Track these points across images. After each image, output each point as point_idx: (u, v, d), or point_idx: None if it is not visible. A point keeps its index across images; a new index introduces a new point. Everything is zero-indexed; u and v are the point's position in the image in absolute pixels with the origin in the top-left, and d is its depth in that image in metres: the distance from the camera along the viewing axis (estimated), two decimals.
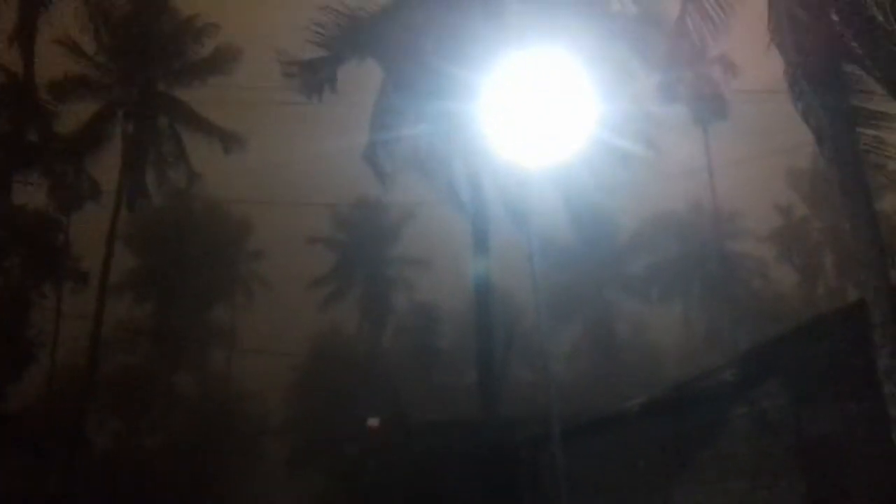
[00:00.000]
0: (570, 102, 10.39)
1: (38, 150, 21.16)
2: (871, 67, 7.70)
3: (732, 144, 33.10)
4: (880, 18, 7.54)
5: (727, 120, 28.11)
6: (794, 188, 36.26)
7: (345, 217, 37.58)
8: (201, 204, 38.43)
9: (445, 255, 25.92)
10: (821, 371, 8.06)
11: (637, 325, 36.28)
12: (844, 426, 7.72)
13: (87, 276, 22.57)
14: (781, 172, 35.59)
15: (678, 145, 25.70)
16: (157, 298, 39.21)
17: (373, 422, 23.10)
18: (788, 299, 35.01)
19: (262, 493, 38.84)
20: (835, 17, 7.50)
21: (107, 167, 24.11)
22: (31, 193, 21.05)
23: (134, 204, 24.45)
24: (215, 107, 25.73)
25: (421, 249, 35.36)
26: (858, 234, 7.16)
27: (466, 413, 17.04)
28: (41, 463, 22.85)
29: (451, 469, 15.37)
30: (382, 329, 35.64)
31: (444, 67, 15.00)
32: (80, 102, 23.99)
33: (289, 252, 40.28)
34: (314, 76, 16.14)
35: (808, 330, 8.69)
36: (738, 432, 9.38)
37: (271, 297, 42.71)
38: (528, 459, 11.19)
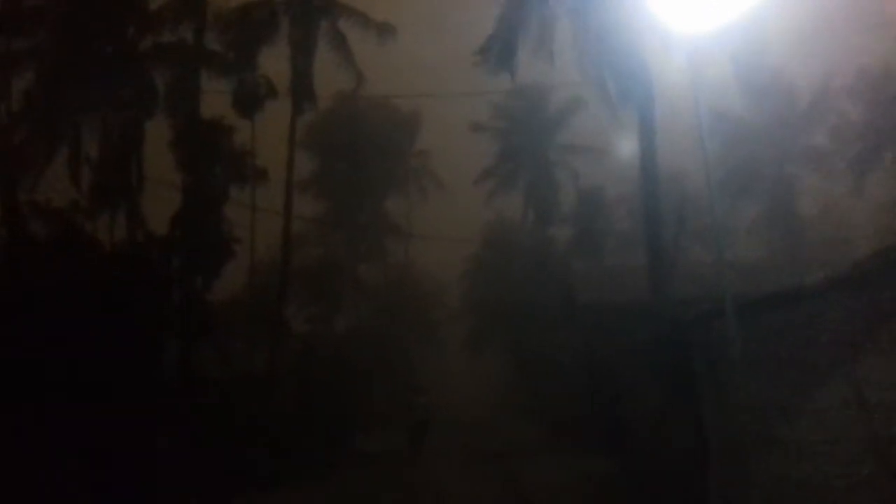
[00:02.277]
0: None
1: (219, 57, 22.55)
2: None
3: None
4: None
5: None
6: None
7: (507, 105, 37.21)
8: (367, 103, 39.56)
9: (615, 138, 25.11)
10: None
11: (822, 201, 33.68)
12: None
13: (266, 172, 24.14)
14: None
15: None
16: (336, 195, 41.52)
17: None
18: None
19: (445, 375, 41.24)
20: None
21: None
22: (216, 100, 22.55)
23: (302, 107, 25.64)
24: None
25: (587, 133, 34.44)
26: None
27: (638, 294, 16.96)
28: (248, 346, 25.50)
29: (620, 349, 15.58)
30: (551, 214, 35.61)
31: None
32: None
33: (456, 144, 40.83)
34: None
35: None
36: None
37: (440, 190, 43.94)
38: (700, 337, 11.07)
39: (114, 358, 14.51)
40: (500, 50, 18.36)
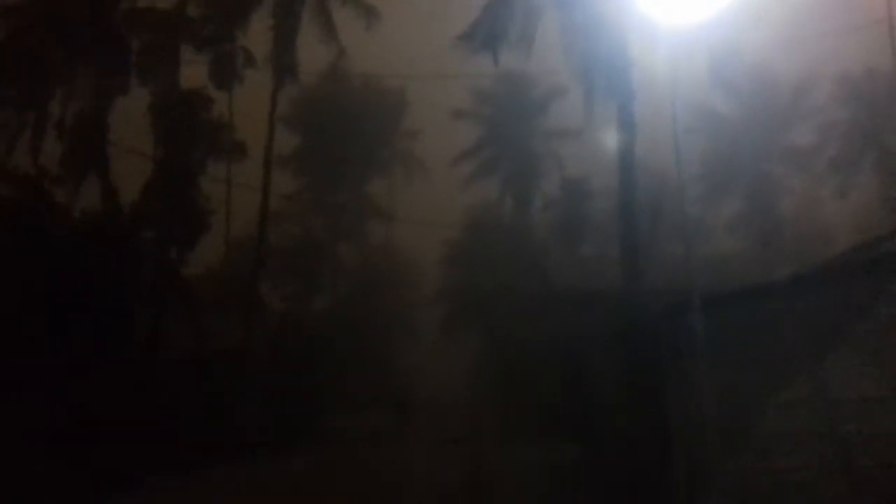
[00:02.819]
0: None
1: (196, 26, 22.15)
2: None
3: None
4: None
5: None
6: None
7: (489, 91, 36.96)
8: (354, 81, 39.24)
9: (593, 128, 25.03)
10: None
11: (801, 199, 33.91)
12: None
13: (244, 146, 23.85)
14: None
15: None
16: (317, 172, 41.18)
17: None
18: None
19: (416, 355, 41.28)
20: None
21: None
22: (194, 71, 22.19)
23: (283, 79, 25.34)
24: None
25: (568, 123, 34.31)
26: None
27: (611, 284, 17.02)
28: (222, 322, 25.30)
29: (592, 337, 15.61)
30: (529, 202, 35.54)
31: None
32: None
33: (439, 128, 40.59)
34: None
35: None
36: None
37: (424, 173, 43.77)
38: (667, 329, 11.09)
39: (83, 329, 14.34)
40: (484, 37, 18.40)
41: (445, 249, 38.37)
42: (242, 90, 24.15)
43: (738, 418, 9.68)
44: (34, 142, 19.29)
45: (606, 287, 16.77)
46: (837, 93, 31.59)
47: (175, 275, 21.56)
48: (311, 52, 26.62)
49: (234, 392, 20.42)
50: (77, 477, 12.91)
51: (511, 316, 27.37)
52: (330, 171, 40.66)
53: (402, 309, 42.37)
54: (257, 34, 24.78)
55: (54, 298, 13.81)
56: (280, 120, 28.58)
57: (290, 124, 37.66)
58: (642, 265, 16.15)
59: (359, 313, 39.04)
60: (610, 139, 17.36)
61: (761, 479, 9.36)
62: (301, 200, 40.34)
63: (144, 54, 20.59)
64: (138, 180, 20.86)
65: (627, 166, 16.40)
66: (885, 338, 8.95)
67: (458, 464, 15.35)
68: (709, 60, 17.94)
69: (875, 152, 31.45)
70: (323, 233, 40.79)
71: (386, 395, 36.12)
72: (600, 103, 17.62)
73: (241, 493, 13.94)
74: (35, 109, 19.18)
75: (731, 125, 31.43)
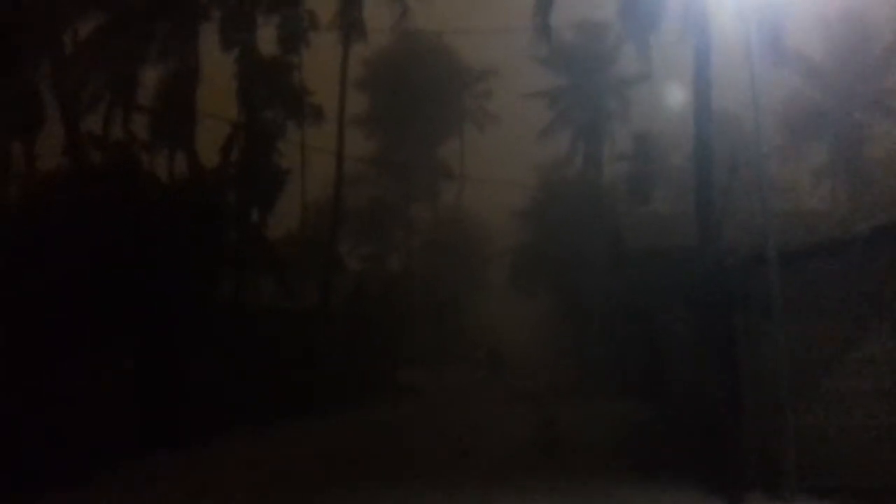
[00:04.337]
0: None
1: None
2: None
3: None
4: None
5: None
6: None
7: (565, 42, 36.09)
8: (423, 45, 39.17)
9: (670, 78, 24.36)
10: None
11: (892, 148, 32.17)
12: None
13: (321, 110, 24.30)
14: None
15: None
16: (390, 134, 41.58)
17: None
18: None
19: (487, 314, 41.65)
20: None
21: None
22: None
23: (350, 40, 25.58)
24: None
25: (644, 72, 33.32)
26: None
27: (686, 241, 16.76)
28: (300, 282, 26.14)
29: (665, 293, 15.50)
30: (600, 153, 34.84)
31: None
32: None
33: (510, 78, 40.20)
34: None
35: None
36: None
37: (496, 130, 43.66)
38: (742, 284, 10.96)
39: (171, 286, 15.09)
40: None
41: (517, 207, 38.29)
42: (312, 54, 24.48)
43: (812, 374, 9.58)
44: (124, 110, 20.15)
45: (681, 244, 16.52)
46: None
47: (258, 236, 22.38)
48: (379, 14, 26.82)
49: (314, 348, 21.19)
50: (167, 424, 13.77)
51: (583, 273, 27.31)
52: (401, 132, 40.99)
53: (474, 267, 42.76)
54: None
55: (144, 262, 14.54)
56: (353, 83, 28.92)
57: (361, 86, 38.01)
58: (718, 221, 15.81)
59: (432, 272, 39.65)
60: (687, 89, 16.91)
61: (833, 435, 9.28)
62: (374, 162, 40.92)
63: (225, 21, 21.11)
64: (216, 146, 21.58)
65: (704, 119, 15.95)
66: None
67: (530, 419, 15.61)
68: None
69: None
70: (396, 194, 41.36)
71: (458, 352, 36.76)
72: (675, 51, 17.20)
73: (322, 443, 14.59)
74: (123, 80, 19.98)
75: (820, 71, 29.83)
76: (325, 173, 28.71)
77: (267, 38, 22.51)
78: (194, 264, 16.14)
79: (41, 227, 13.52)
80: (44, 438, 11.12)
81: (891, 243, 9.56)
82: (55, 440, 11.24)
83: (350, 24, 25.32)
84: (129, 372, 14.21)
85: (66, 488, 10.19)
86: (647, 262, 18.71)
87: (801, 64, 28.45)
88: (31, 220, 14.10)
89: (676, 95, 18.72)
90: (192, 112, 20.33)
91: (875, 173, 30.58)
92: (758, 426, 9.91)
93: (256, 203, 21.86)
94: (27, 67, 17.30)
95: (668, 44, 17.79)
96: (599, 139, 34.67)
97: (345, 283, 27.13)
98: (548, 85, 36.55)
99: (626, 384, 20.25)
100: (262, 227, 22.77)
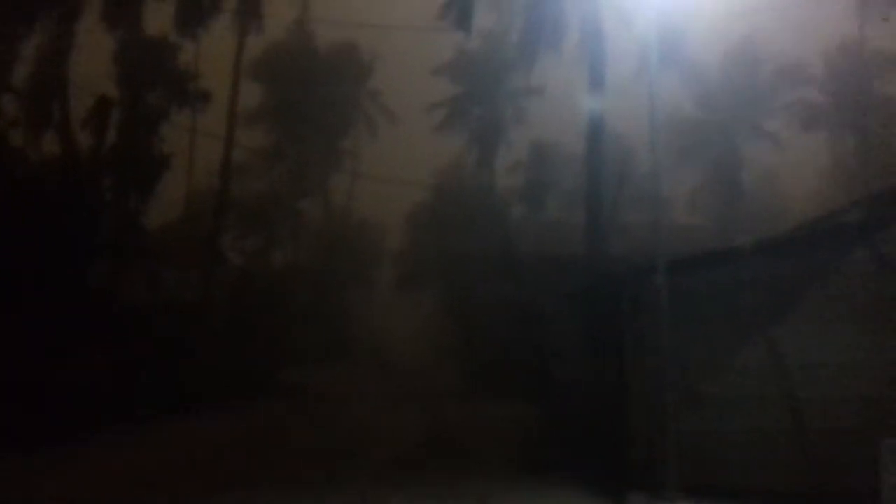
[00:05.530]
0: None
1: None
2: None
3: None
4: None
5: None
6: None
7: (467, 49, 36.31)
8: (323, 40, 38.50)
9: (566, 91, 24.91)
10: None
11: (768, 171, 34.34)
12: None
13: (208, 94, 23.31)
14: None
15: None
16: (282, 127, 40.47)
17: None
18: None
19: (374, 313, 41.28)
20: None
21: None
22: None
23: (247, 28, 24.79)
24: None
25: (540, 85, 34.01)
26: None
27: (574, 249, 17.12)
28: (182, 274, 24.92)
29: (551, 299, 15.72)
30: (493, 157, 35.25)
31: None
32: None
33: (411, 83, 40.09)
34: None
35: None
36: (855, 276, 9.07)
37: (391, 129, 43.39)
38: (628, 292, 11.21)
39: (37, 277, 14.00)
40: (459, 10, 18.88)
41: (410, 208, 38.19)
42: (210, 41, 23.55)
43: (694, 380, 9.89)
44: None
45: (571, 252, 16.85)
46: (820, 73, 31.96)
47: (133, 223, 21.15)
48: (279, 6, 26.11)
49: (190, 344, 20.21)
50: (30, 424, 12.69)
51: (471, 276, 27.46)
52: (294, 125, 40.01)
53: (362, 266, 42.28)
54: None
55: (8, 243, 13.42)
56: (248, 74, 28.02)
57: (258, 78, 36.89)
58: (605, 230, 16.28)
59: (318, 269, 38.87)
60: (583, 102, 17.34)
61: (715, 440, 9.61)
62: (264, 154, 39.74)
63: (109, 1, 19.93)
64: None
65: (596, 133, 16.43)
66: (840, 306, 9.17)
67: (416, 421, 15.44)
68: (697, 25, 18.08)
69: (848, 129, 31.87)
70: (286, 188, 40.27)
71: (343, 351, 36.20)
72: (575, 67, 17.66)
73: (195, 446, 13.84)
74: None
75: (713, 95, 31.18)
76: (214, 163, 27.59)
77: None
78: (62, 249, 15.02)
79: None
80: None
81: (769, 257, 10.02)
82: None
83: (247, 12, 24.45)
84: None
85: None
86: (537, 266, 18.98)
87: (694, 87, 29.81)
88: None
89: (572, 109, 19.22)
90: (65, 90, 18.98)
91: (749, 192, 32.58)
92: (642, 429, 10.13)
93: (134, 188, 20.65)
94: None
95: (568, 60, 18.28)
96: (493, 145, 35.05)
97: (229, 278, 26.08)
98: (446, 89, 36.69)
99: (513, 386, 20.44)
100: (138, 215, 21.53)
